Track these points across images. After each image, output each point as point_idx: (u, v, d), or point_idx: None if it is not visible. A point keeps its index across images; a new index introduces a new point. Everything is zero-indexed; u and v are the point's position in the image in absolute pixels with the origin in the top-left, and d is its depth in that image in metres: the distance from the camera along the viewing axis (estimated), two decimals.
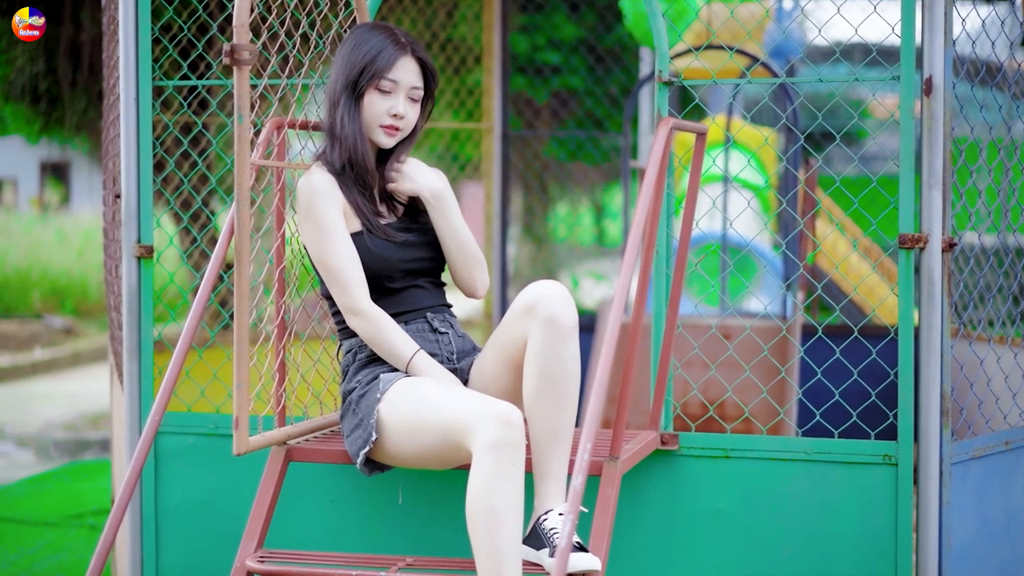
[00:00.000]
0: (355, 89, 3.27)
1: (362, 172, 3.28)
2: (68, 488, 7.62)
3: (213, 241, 7.53)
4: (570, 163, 13.01)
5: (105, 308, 16.43)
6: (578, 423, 4.23)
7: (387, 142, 3.31)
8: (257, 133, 3.40)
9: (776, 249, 8.32)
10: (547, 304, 3.07)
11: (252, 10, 2.92)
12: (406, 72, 3.28)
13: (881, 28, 3.73)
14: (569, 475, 3.12)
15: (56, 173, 29.32)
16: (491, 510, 2.88)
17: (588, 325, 7.67)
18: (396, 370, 3.25)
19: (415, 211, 3.38)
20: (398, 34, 3.30)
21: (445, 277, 3.45)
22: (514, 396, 3.22)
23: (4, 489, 7.66)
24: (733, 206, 7.79)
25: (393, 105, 3.28)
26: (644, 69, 9.46)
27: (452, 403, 3.03)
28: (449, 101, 8.24)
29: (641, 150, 9.11)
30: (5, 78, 7.76)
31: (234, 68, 2.87)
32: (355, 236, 3.28)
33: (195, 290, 6.32)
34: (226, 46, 2.86)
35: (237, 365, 2.99)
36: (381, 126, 3.29)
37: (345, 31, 3.58)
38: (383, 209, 3.34)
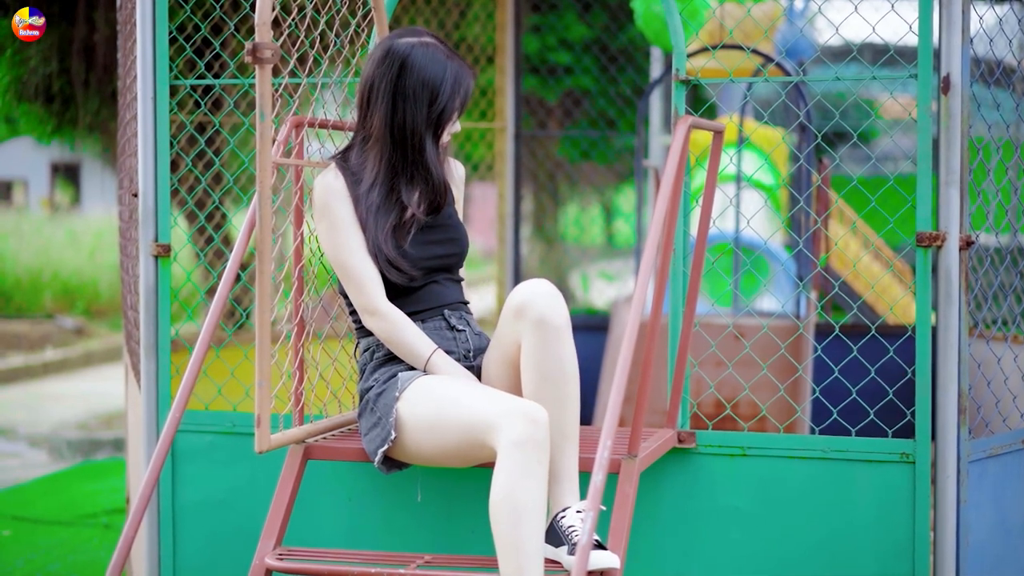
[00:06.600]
0: (440, 121, 3.24)
1: (440, 195, 3.30)
2: (81, 488, 7.63)
3: (226, 240, 7.54)
4: (579, 163, 12.99)
5: (117, 308, 16.39)
6: (581, 421, 4.21)
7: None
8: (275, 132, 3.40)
9: (789, 251, 8.31)
10: (536, 305, 3.06)
11: (273, 9, 2.93)
12: None
13: (893, 27, 3.72)
14: (582, 472, 3.13)
15: (66, 174, 29.36)
16: (515, 507, 2.88)
17: (601, 325, 7.67)
18: (414, 368, 3.25)
19: (436, 208, 3.37)
20: (455, 54, 3.27)
21: (462, 272, 3.45)
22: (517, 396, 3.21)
23: (18, 489, 7.68)
24: (745, 205, 7.78)
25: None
26: (655, 69, 9.45)
27: (476, 401, 3.03)
28: None
29: (650, 150, 9.10)
30: (19, 79, 7.77)
31: (256, 67, 2.87)
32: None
33: (211, 290, 6.33)
34: (248, 44, 2.86)
35: (258, 363, 2.99)
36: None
37: (363, 30, 3.58)
38: (410, 204, 3.33)
